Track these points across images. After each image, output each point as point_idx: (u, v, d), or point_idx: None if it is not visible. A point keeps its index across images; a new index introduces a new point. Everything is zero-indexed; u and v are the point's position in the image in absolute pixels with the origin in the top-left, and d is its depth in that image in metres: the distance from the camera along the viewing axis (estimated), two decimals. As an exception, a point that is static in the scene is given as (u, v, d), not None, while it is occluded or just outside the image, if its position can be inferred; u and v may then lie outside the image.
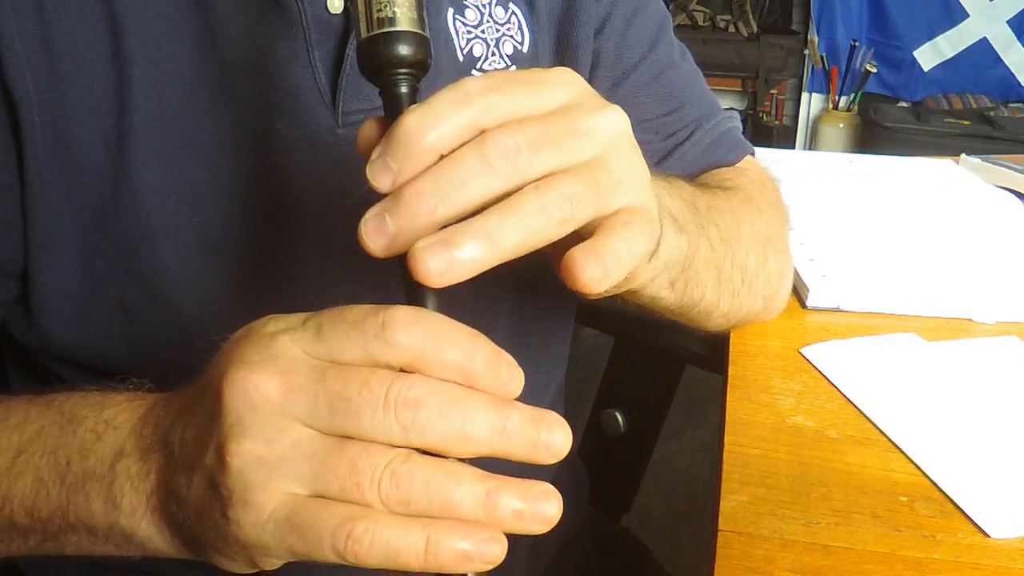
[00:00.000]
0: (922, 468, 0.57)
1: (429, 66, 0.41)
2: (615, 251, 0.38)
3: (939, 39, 3.34)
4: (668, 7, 0.81)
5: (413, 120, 0.37)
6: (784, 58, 3.44)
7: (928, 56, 3.37)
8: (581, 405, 1.03)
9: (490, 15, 0.64)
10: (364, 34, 0.40)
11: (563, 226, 0.38)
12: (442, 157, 0.37)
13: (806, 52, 3.47)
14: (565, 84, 0.40)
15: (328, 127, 0.57)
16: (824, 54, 3.43)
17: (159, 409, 0.44)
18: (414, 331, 0.35)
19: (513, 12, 0.65)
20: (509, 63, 0.64)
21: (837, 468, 0.57)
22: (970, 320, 0.76)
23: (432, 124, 0.36)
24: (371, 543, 0.34)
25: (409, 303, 0.37)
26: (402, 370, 0.35)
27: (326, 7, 0.56)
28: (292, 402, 0.35)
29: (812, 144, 3.51)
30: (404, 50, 0.40)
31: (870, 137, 3.18)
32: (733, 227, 0.63)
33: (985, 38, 3.30)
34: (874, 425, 0.61)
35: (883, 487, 0.55)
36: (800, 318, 0.77)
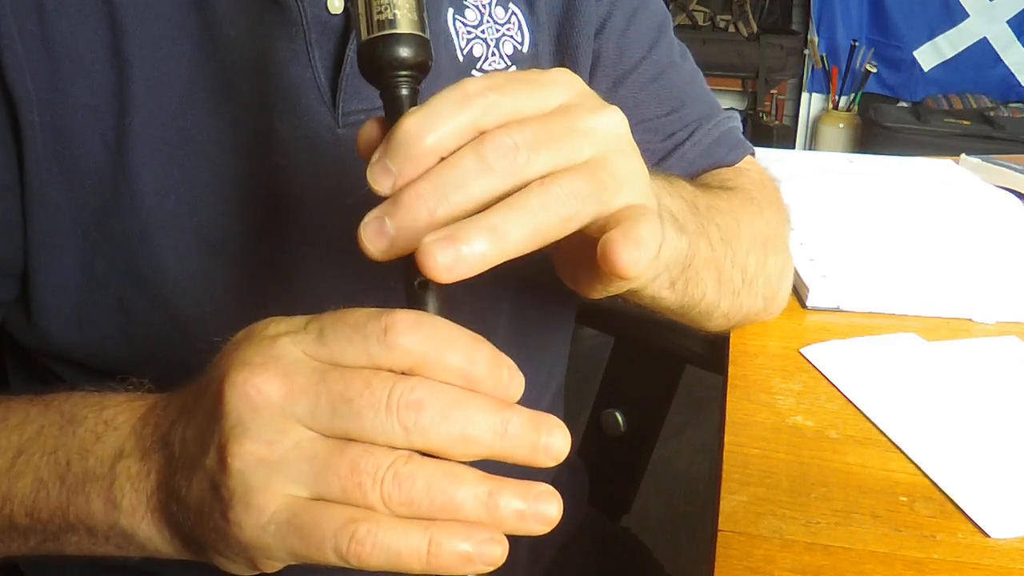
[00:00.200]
0: (922, 468, 0.57)
1: (429, 68, 0.41)
2: (644, 237, 0.38)
3: (939, 39, 3.34)
4: (668, 7, 0.81)
5: (412, 122, 0.37)
6: (784, 58, 3.44)
7: (928, 56, 3.37)
8: (581, 405, 1.03)
9: (490, 15, 0.64)
10: (364, 36, 0.40)
11: (567, 223, 0.38)
12: (443, 159, 0.37)
13: (806, 52, 3.47)
14: (564, 85, 0.40)
15: (328, 127, 0.57)
16: (824, 54, 3.43)
17: (159, 409, 0.44)
18: (416, 335, 0.35)
19: (513, 12, 0.65)
20: (509, 63, 0.64)
21: (837, 468, 0.57)
22: (970, 320, 0.76)
23: (431, 126, 0.36)
24: (373, 545, 0.34)
25: (409, 305, 0.37)
26: (403, 374, 0.36)
27: (326, 7, 0.56)
28: (294, 403, 0.35)
29: (812, 144, 3.50)
30: (404, 52, 0.40)
31: (870, 137, 3.17)
32: (733, 227, 0.63)
33: (985, 38, 3.30)
34: (874, 425, 0.61)
35: (883, 487, 0.55)
36: (800, 318, 0.77)
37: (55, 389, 0.50)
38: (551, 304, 0.71)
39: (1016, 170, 1.06)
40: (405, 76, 0.40)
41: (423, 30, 0.40)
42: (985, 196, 1.04)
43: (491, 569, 0.35)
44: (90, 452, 0.44)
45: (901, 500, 0.54)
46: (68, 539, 0.46)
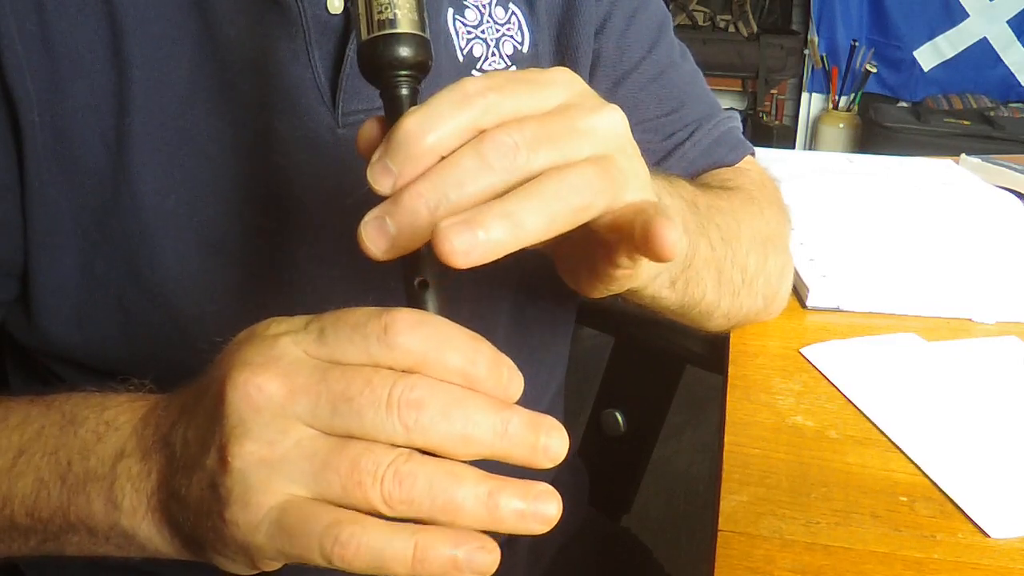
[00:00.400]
0: (922, 468, 0.57)
1: (430, 68, 0.41)
2: (676, 221, 0.38)
3: (939, 39, 3.34)
4: (668, 7, 0.81)
5: (412, 122, 0.37)
6: (784, 58, 3.44)
7: (928, 56, 3.37)
8: (581, 405, 1.03)
9: (490, 15, 0.64)
10: (365, 36, 0.40)
11: (581, 213, 0.38)
12: (443, 159, 0.37)
13: (806, 52, 3.47)
14: (564, 84, 0.40)
15: (328, 127, 0.57)
16: (824, 54, 3.42)
17: (160, 410, 0.44)
18: (416, 334, 0.35)
19: (513, 12, 0.65)
20: (509, 63, 0.64)
21: (837, 468, 0.57)
22: (970, 320, 0.76)
23: (431, 126, 0.36)
24: (358, 547, 0.34)
25: (409, 305, 0.37)
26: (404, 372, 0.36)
27: (326, 7, 0.56)
28: (294, 403, 0.36)
29: (812, 144, 3.50)
30: (405, 52, 0.40)
31: (870, 137, 3.17)
32: (734, 227, 0.63)
33: (985, 38, 3.30)
34: (874, 425, 0.61)
35: (883, 487, 0.55)
36: (800, 318, 0.77)
37: (56, 389, 0.50)
38: (551, 304, 0.71)
39: (1016, 170, 1.06)
40: (405, 76, 0.40)
41: (423, 30, 0.40)
42: (985, 196, 1.04)
43: None
44: (91, 452, 0.44)
45: (901, 500, 0.54)
46: (68, 539, 0.46)
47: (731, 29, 3.48)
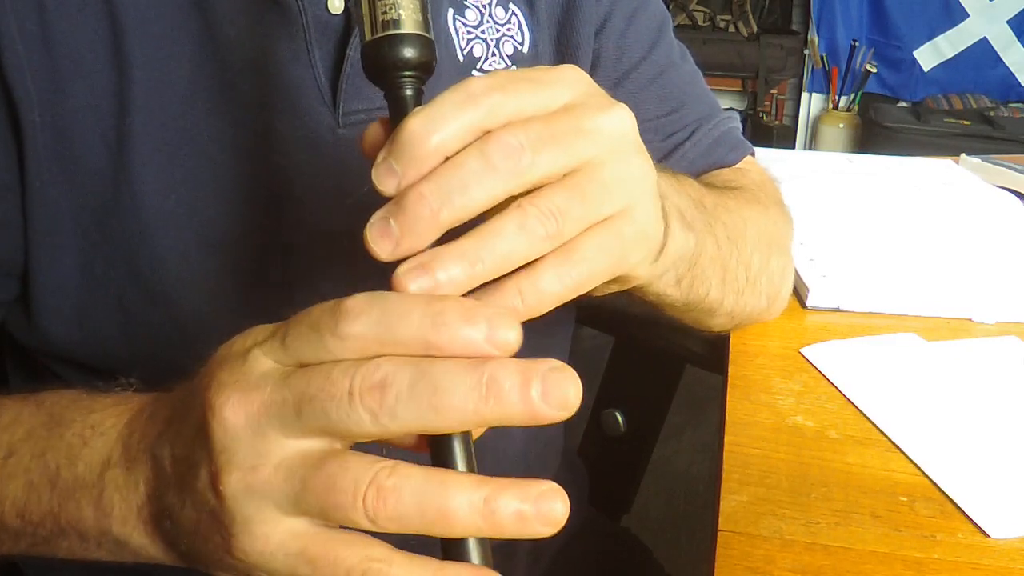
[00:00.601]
0: (922, 468, 0.57)
1: (433, 68, 0.41)
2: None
3: (939, 39, 3.34)
4: (668, 7, 0.81)
5: (417, 123, 0.36)
6: (784, 58, 3.44)
7: (928, 56, 3.37)
8: (581, 405, 1.03)
9: (490, 15, 0.64)
10: (368, 36, 0.40)
11: (549, 242, 0.37)
12: (447, 160, 0.37)
13: (806, 52, 3.47)
14: (570, 82, 0.40)
15: (328, 127, 0.57)
16: (824, 54, 3.43)
17: (145, 416, 0.43)
18: (364, 319, 0.34)
19: (513, 12, 0.65)
20: (509, 63, 0.65)
21: (837, 468, 0.57)
22: (970, 320, 0.76)
23: (436, 127, 0.36)
24: None
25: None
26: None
27: (326, 7, 0.56)
28: (267, 418, 0.35)
29: (812, 144, 3.50)
30: (409, 53, 0.40)
31: (870, 137, 3.18)
32: (740, 226, 0.63)
33: (985, 38, 3.30)
34: (874, 425, 0.61)
35: (883, 487, 0.55)
36: (800, 318, 0.77)
37: (48, 386, 0.50)
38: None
39: (1016, 170, 1.06)
40: (409, 76, 0.40)
41: (427, 30, 0.40)
42: (985, 196, 1.04)
43: None
44: (78, 458, 0.44)
45: (901, 500, 0.54)
46: (59, 544, 0.46)
47: (731, 29, 3.48)
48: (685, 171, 0.71)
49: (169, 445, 0.40)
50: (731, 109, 3.45)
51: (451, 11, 0.62)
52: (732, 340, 0.72)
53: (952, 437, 0.60)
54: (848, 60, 3.34)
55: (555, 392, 0.33)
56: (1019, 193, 1.04)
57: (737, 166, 0.75)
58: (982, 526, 0.52)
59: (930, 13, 3.31)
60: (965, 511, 0.53)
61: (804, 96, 3.57)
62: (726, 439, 0.60)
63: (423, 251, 0.36)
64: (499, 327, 0.34)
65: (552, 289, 0.38)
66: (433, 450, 0.35)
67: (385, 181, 0.36)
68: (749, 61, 3.43)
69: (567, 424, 0.85)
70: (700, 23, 3.49)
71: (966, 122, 3.04)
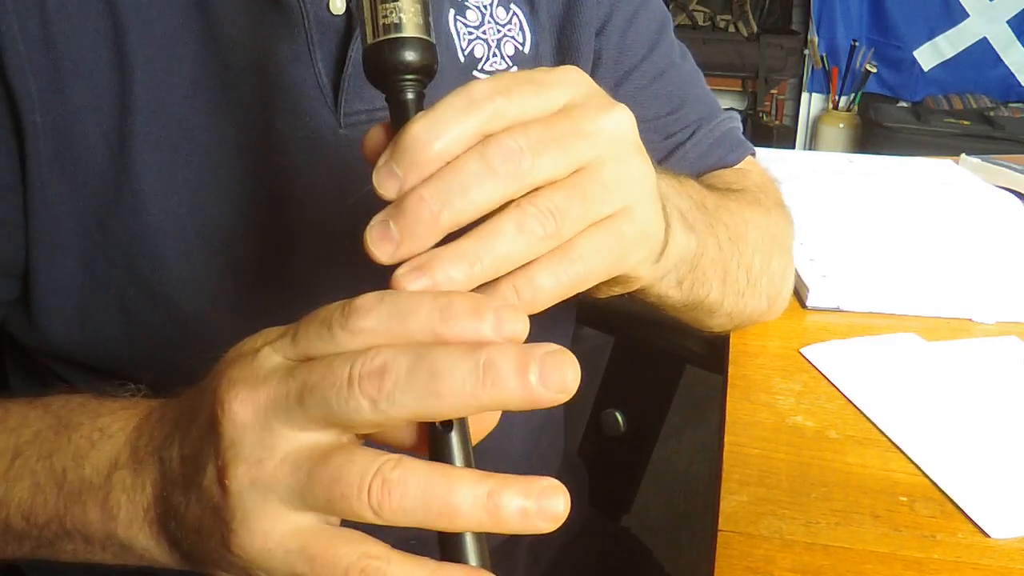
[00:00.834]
0: (922, 468, 0.57)
1: (435, 72, 0.41)
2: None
3: (939, 39, 3.34)
4: (668, 7, 0.81)
5: (419, 128, 0.36)
6: (784, 58, 3.44)
7: (928, 56, 3.37)
8: (581, 405, 1.03)
9: (491, 16, 0.64)
10: (370, 40, 0.40)
11: (548, 242, 0.37)
12: (447, 163, 0.37)
13: (806, 52, 3.47)
14: (571, 84, 0.40)
15: (330, 128, 0.57)
16: (824, 54, 3.43)
17: (154, 420, 0.43)
18: (375, 314, 0.34)
19: (514, 13, 0.65)
20: (510, 64, 0.65)
21: (837, 468, 0.57)
22: (970, 320, 0.76)
23: (438, 132, 0.36)
24: None
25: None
26: None
27: (328, 8, 0.56)
28: (271, 410, 0.35)
29: (812, 144, 3.50)
30: (410, 56, 0.39)
31: (870, 137, 3.18)
32: (741, 227, 0.63)
33: (985, 38, 3.30)
34: (874, 425, 0.61)
35: (883, 487, 0.56)
36: (800, 318, 0.77)
37: (55, 390, 0.50)
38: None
39: (1016, 170, 1.06)
40: (411, 80, 0.40)
41: (428, 33, 0.40)
42: (985, 196, 1.04)
43: None
44: (85, 460, 0.44)
45: (901, 500, 0.54)
46: (64, 546, 0.46)
47: (731, 29, 3.48)
48: (686, 171, 0.71)
49: (177, 446, 0.40)
50: (731, 109, 3.45)
51: (452, 12, 0.62)
52: (732, 340, 0.72)
53: (952, 437, 0.60)
54: (848, 60, 3.34)
55: (553, 375, 0.33)
56: (1019, 193, 1.04)
57: (738, 167, 0.76)
58: (982, 526, 0.52)
59: (930, 13, 3.31)
60: (965, 511, 0.53)
61: (804, 96, 3.57)
62: (726, 439, 0.60)
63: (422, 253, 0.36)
64: (507, 319, 0.34)
65: (547, 286, 0.38)
66: (432, 448, 0.35)
67: (386, 185, 0.36)
68: (749, 61, 3.43)
69: (567, 424, 0.85)
70: (700, 23, 3.49)
71: (966, 122, 3.04)
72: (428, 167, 0.36)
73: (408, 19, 0.39)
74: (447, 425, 0.35)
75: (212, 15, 0.55)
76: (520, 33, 0.65)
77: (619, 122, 0.40)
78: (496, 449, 0.63)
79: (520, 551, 0.75)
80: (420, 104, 0.40)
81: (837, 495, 0.55)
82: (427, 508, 0.33)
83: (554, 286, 0.38)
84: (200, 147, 0.55)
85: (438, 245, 0.36)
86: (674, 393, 1.02)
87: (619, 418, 1.00)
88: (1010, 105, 3.22)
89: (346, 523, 0.36)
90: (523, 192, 0.37)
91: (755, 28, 3.45)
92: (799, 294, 0.78)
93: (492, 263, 0.36)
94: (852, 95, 3.40)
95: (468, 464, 0.35)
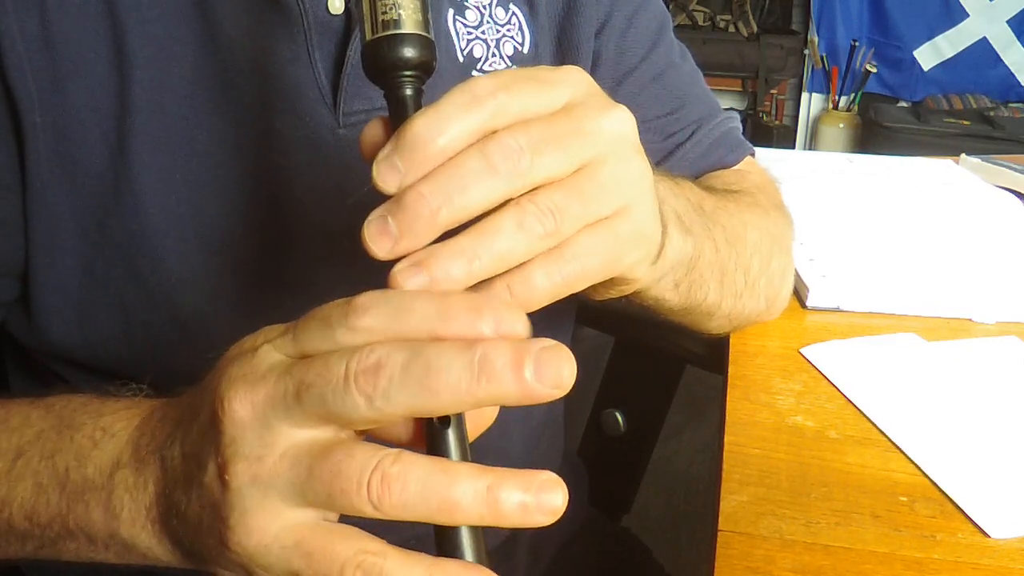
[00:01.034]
0: (922, 468, 0.57)
1: (434, 68, 0.41)
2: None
3: (939, 39, 3.34)
4: (668, 7, 0.81)
5: (422, 123, 0.36)
6: (784, 58, 3.44)
7: (928, 56, 3.37)
8: (581, 405, 1.03)
9: (490, 16, 0.64)
10: (369, 36, 0.40)
11: (546, 240, 0.37)
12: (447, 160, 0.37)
13: (806, 52, 3.47)
14: (572, 83, 0.40)
15: (329, 127, 0.57)
16: (824, 54, 3.43)
17: (155, 419, 0.43)
18: (375, 312, 0.34)
19: (514, 13, 0.65)
20: (509, 64, 0.65)
21: (837, 468, 0.57)
22: (970, 320, 0.76)
23: (441, 128, 0.36)
24: None
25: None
26: None
27: (327, 8, 0.56)
28: (270, 407, 0.35)
29: (812, 144, 3.50)
30: (409, 52, 0.40)
31: (870, 137, 3.18)
32: (739, 229, 0.63)
33: (985, 38, 3.30)
34: (874, 425, 0.61)
35: (883, 487, 0.56)
36: (800, 318, 0.77)
37: (57, 391, 0.50)
38: (551, 304, 0.71)
39: (1016, 170, 1.06)
40: (409, 76, 0.40)
41: (428, 30, 0.40)
42: (985, 196, 1.04)
43: None
44: (88, 459, 0.44)
45: (901, 500, 0.54)
46: (66, 546, 0.46)
47: (731, 29, 3.48)
48: (685, 171, 0.71)
49: (179, 445, 0.40)
50: (731, 109, 3.45)
51: (451, 11, 0.62)
52: (732, 340, 0.72)
53: (952, 437, 0.60)
54: (848, 60, 3.33)
55: (549, 371, 0.33)
56: (1019, 193, 1.04)
57: (737, 167, 0.75)
58: (982, 526, 0.52)
59: (930, 13, 3.31)
60: (965, 511, 0.53)
61: (804, 96, 3.57)
62: (726, 439, 0.60)
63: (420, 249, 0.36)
64: (506, 319, 0.34)
65: (542, 285, 0.38)
66: (429, 444, 0.36)
67: (387, 178, 0.36)
68: (749, 61, 3.43)
69: (567, 424, 0.85)
70: (700, 23, 3.49)
71: (966, 122, 3.04)
72: (430, 162, 0.36)
73: (407, 15, 0.40)
74: (444, 421, 0.35)
75: (211, 15, 0.55)
76: (519, 33, 0.65)
77: (619, 122, 0.40)
78: (495, 449, 0.63)
79: (520, 551, 0.75)
80: (419, 100, 0.40)
81: (837, 495, 0.55)
82: (427, 502, 0.33)
83: (548, 285, 0.38)
84: (199, 147, 0.55)
85: (436, 241, 0.36)
86: (674, 393, 1.02)
87: (619, 418, 1.00)
88: (1010, 105, 3.22)
89: (345, 520, 0.36)
90: (522, 191, 0.37)
91: (755, 28, 3.45)
92: (799, 294, 0.78)
93: (491, 260, 0.36)
94: (852, 95, 3.40)
95: (466, 460, 0.35)
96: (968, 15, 3.28)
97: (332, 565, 0.34)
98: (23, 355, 0.65)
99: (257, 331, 0.38)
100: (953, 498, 0.54)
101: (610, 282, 0.46)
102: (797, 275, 0.78)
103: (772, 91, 3.58)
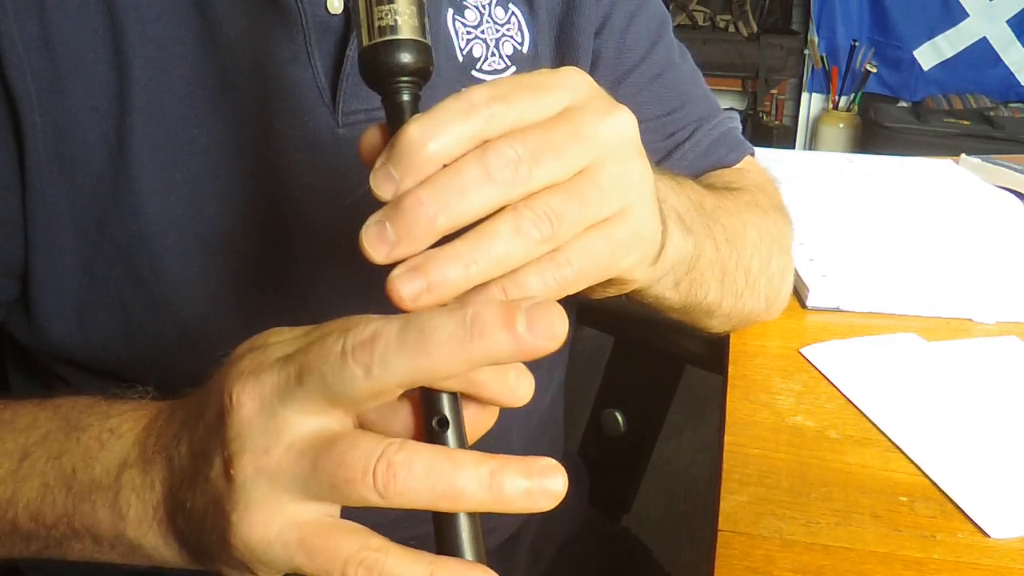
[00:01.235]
0: (922, 468, 0.57)
1: (431, 73, 0.41)
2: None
3: (939, 39, 3.34)
4: (668, 7, 0.81)
5: (416, 130, 0.36)
6: (784, 58, 3.44)
7: (928, 56, 3.37)
8: (581, 405, 1.03)
9: (490, 15, 0.64)
10: (366, 42, 0.40)
11: (544, 245, 0.37)
12: (445, 167, 0.37)
13: (806, 52, 3.47)
14: (571, 86, 0.40)
15: (328, 127, 0.57)
16: (824, 54, 3.43)
17: (162, 420, 0.43)
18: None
19: (513, 13, 0.65)
20: (509, 64, 0.65)
21: (837, 468, 0.57)
22: (970, 320, 0.76)
23: (434, 134, 0.36)
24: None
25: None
26: None
27: (326, 8, 0.56)
28: (275, 397, 0.35)
29: (812, 144, 3.50)
30: (406, 58, 0.39)
31: (870, 137, 3.17)
32: (739, 228, 0.63)
33: (985, 38, 3.30)
34: (874, 425, 0.61)
35: (883, 487, 0.55)
36: (800, 318, 0.77)
37: (59, 391, 0.50)
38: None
39: (1016, 170, 1.06)
40: (406, 82, 0.40)
41: (424, 35, 0.40)
42: (985, 196, 1.04)
43: None
44: (95, 460, 0.44)
45: (901, 500, 0.54)
46: (72, 546, 0.46)
47: (731, 29, 3.48)
48: (685, 171, 0.71)
49: (186, 443, 0.40)
50: (731, 109, 3.46)
51: (450, 11, 0.62)
52: (732, 340, 0.72)
53: (952, 437, 0.60)
54: (848, 60, 3.33)
55: (541, 323, 0.33)
56: (1019, 193, 1.04)
57: (737, 166, 0.75)
58: (982, 526, 0.52)
59: (930, 13, 3.31)
60: (965, 511, 0.53)
61: (804, 96, 3.57)
62: (726, 439, 0.60)
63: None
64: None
65: (536, 289, 0.38)
66: (428, 439, 0.36)
67: (383, 186, 0.36)
68: (749, 61, 3.43)
69: (567, 424, 0.85)
70: (700, 23, 3.49)
71: (966, 122, 3.04)
72: (424, 169, 0.36)
73: (404, 21, 0.39)
74: (443, 423, 0.36)
75: (210, 15, 0.55)
76: (519, 33, 0.65)
77: (620, 125, 0.40)
78: (495, 449, 0.63)
79: (520, 551, 0.75)
80: (416, 106, 0.40)
81: (837, 495, 0.55)
82: (432, 489, 0.33)
83: (542, 289, 0.38)
84: (198, 147, 0.55)
85: (434, 246, 0.36)
86: (674, 393, 1.02)
87: (619, 418, 1.00)
88: (1010, 105, 3.22)
89: (348, 516, 0.36)
90: (520, 198, 0.37)
91: (755, 28, 3.45)
92: (799, 294, 0.78)
93: (488, 265, 0.36)
94: (852, 95, 3.39)
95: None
96: (968, 15, 3.28)
97: (334, 561, 0.34)
98: (23, 355, 0.65)
99: (267, 331, 0.39)
100: (953, 498, 0.54)
101: (609, 282, 0.46)
102: (797, 275, 0.78)
103: (772, 91, 3.58)
